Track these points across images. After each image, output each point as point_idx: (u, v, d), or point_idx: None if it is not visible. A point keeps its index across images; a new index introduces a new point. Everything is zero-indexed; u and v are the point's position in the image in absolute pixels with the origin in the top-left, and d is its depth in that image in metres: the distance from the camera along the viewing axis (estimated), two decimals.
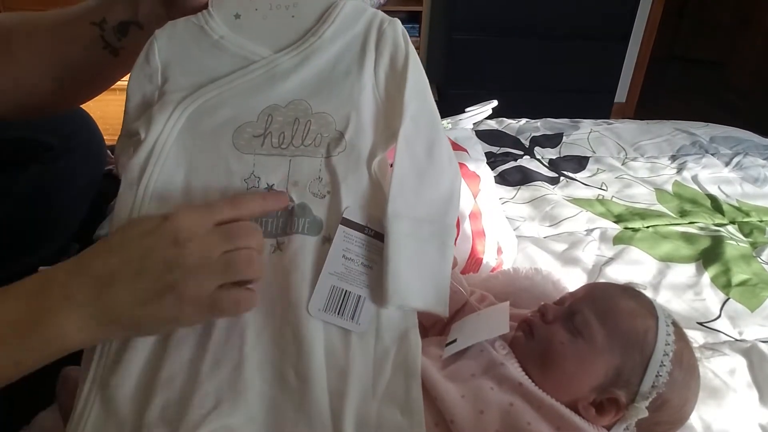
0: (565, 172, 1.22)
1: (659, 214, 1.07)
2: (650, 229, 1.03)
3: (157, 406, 0.45)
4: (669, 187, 1.18)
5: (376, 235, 0.51)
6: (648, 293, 0.69)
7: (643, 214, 1.06)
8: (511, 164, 1.22)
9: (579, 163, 1.27)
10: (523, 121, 1.47)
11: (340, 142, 0.52)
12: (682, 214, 1.08)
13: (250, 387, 0.46)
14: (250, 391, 0.46)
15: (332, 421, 0.46)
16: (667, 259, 0.94)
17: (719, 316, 0.83)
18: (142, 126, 0.51)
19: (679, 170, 1.25)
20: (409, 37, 0.57)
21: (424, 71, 0.56)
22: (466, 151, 1.05)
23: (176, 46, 0.53)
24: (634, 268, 0.91)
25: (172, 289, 0.42)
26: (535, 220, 1.03)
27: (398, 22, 0.57)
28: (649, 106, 3.15)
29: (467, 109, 1.21)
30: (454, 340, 0.60)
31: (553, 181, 1.18)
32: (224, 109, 0.52)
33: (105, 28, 0.57)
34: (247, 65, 0.53)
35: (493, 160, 1.22)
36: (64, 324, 0.41)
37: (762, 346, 0.76)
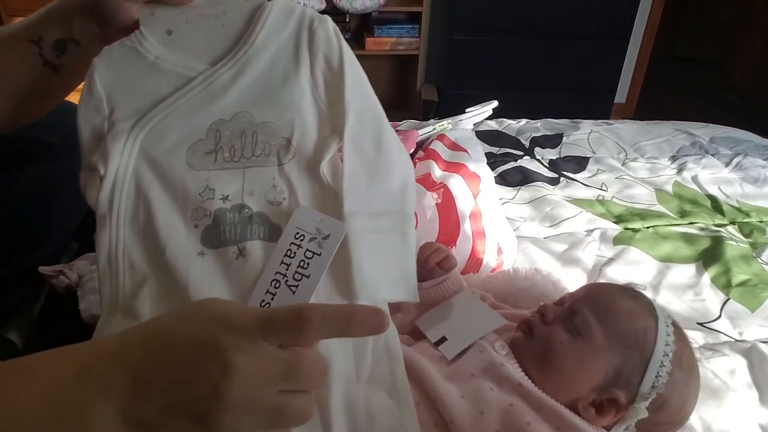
0: (565, 173, 1.22)
1: (659, 215, 1.07)
2: (650, 229, 1.03)
3: None
4: (669, 188, 1.18)
5: (324, 236, 0.51)
6: (648, 293, 0.69)
7: (643, 215, 1.06)
8: (511, 165, 1.22)
9: (579, 163, 1.27)
10: (523, 121, 1.47)
11: (289, 148, 0.53)
12: (682, 214, 1.08)
13: None
14: None
15: (319, 410, 0.46)
16: (667, 260, 0.94)
17: (719, 316, 0.83)
18: (100, 160, 0.51)
19: (679, 171, 1.25)
20: (340, 33, 0.56)
21: (360, 66, 0.56)
22: (466, 151, 1.05)
23: (116, 73, 0.53)
24: (634, 268, 0.91)
25: (204, 418, 0.36)
26: (535, 220, 1.03)
27: (328, 19, 0.55)
28: (649, 106, 3.15)
29: (467, 110, 1.21)
30: (443, 338, 0.60)
31: (553, 182, 1.18)
32: (173, 131, 0.53)
33: (42, 46, 0.57)
34: (186, 83, 0.53)
35: (493, 161, 1.22)
36: (97, 417, 0.37)
37: (762, 346, 0.76)
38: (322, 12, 2.96)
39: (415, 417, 0.48)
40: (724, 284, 0.88)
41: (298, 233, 0.50)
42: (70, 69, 0.58)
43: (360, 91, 0.55)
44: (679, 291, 0.87)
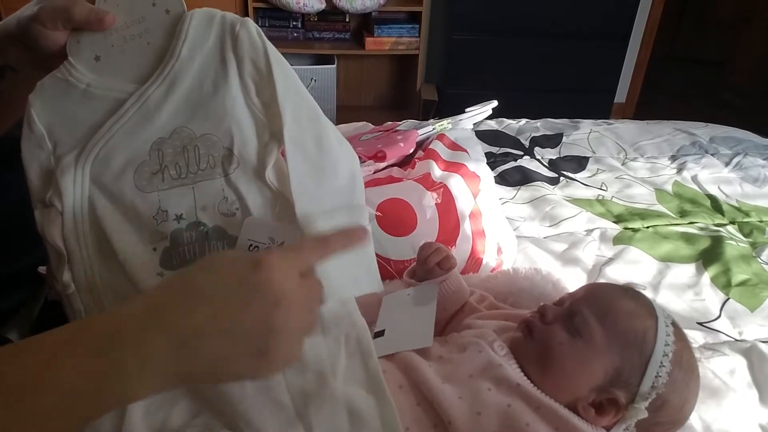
0: (564, 173, 1.22)
1: (659, 215, 1.07)
2: (650, 229, 1.03)
3: (138, 414, 0.47)
4: (669, 188, 1.18)
5: (278, 244, 0.51)
6: (648, 293, 0.69)
7: (643, 215, 1.06)
8: (511, 164, 1.22)
9: (579, 163, 1.27)
10: (523, 121, 1.47)
11: (232, 158, 0.53)
12: (682, 214, 1.08)
13: (219, 401, 0.48)
14: (221, 402, 0.48)
15: (295, 408, 0.48)
16: (667, 259, 0.94)
17: (719, 316, 0.83)
18: (54, 197, 0.52)
19: (679, 170, 1.25)
20: (263, 34, 0.55)
21: (288, 64, 0.55)
22: (466, 151, 1.05)
23: (51, 107, 0.53)
24: (634, 268, 0.91)
25: (264, 352, 0.39)
26: (535, 220, 1.03)
27: (249, 21, 0.54)
28: (649, 106, 3.15)
29: (467, 109, 1.21)
30: (382, 331, 0.61)
31: (553, 182, 1.18)
32: (116, 156, 0.53)
33: None
34: (119, 107, 0.53)
35: (493, 161, 1.22)
36: (136, 384, 0.37)
37: (762, 346, 0.76)
38: (322, 12, 2.94)
39: (394, 408, 0.49)
40: (724, 284, 0.88)
41: (251, 245, 0.50)
42: (11, 95, 0.58)
43: (292, 91, 0.54)
44: (679, 291, 0.87)
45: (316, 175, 0.53)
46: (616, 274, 0.89)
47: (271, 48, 0.54)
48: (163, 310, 0.39)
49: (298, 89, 0.55)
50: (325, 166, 0.54)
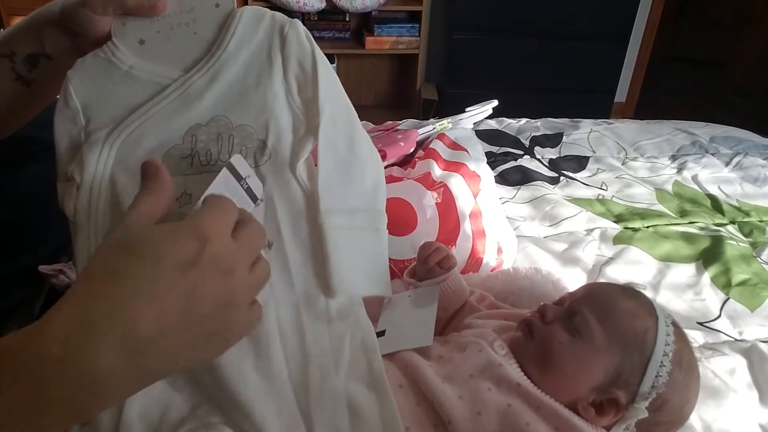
0: (565, 172, 1.22)
1: (659, 214, 1.07)
2: (650, 229, 1.03)
3: (135, 409, 0.47)
4: (669, 187, 1.18)
5: (248, 190, 0.49)
6: (648, 293, 0.69)
7: (643, 214, 1.06)
8: (511, 164, 1.22)
9: (579, 162, 1.27)
10: (523, 121, 1.47)
11: (264, 150, 0.54)
12: (682, 214, 1.08)
13: (220, 393, 0.48)
14: (221, 395, 0.48)
15: (298, 403, 0.48)
16: (667, 259, 0.94)
17: (719, 316, 0.83)
18: (76, 169, 0.52)
19: (679, 170, 1.25)
20: (311, 36, 0.57)
21: (332, 68, 0.57)
22: (466, 150, 1.05)
23: (90, 84, 0.53)
24: (634, 268, 0.91)
25: (228, 327, 0.37)
26: (535, 219, 1.03)
27: (298, 22, 0.56)
28: (649, 106, 3.15)
29: (467, 109, 1.21)
30: (383, 331, 0.62)
31: (553, 181, 1.18)
32: (149, 138, 0.53)
33: (15, 60, 0.57)
34: (160, 91, 0.53)
35: (493, 160, 1.22)
36: (95, 408, 0.33)
37: (762, 346, 0.76)
38: (322, 11, 2.94)
39: (395, 407, 0.49)
40: (724, 284, 0.88)
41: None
42: (42, 83, 0.58)
43: (333, 93, 0.56)
44: (679, 290, 0.87)
45: (344, 176, 0.55)
46: (616, 274, 0.89)
47: (318, 50, 0.56)
48: (94, 331, 0.31)
49: (339, 92, 0.57)
50: (353, 168, 0.56)
